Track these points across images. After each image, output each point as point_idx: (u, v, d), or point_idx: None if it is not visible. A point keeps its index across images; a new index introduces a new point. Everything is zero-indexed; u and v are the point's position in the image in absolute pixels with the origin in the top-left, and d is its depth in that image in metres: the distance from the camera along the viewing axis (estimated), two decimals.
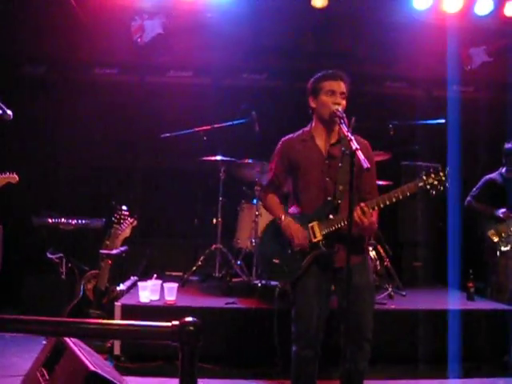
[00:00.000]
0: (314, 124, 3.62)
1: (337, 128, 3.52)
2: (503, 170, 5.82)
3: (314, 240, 3.46)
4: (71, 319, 2.03)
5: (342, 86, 3.50)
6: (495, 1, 6.75)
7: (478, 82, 7.44)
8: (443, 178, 3.30)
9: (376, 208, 3.36)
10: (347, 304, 3.21)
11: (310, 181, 3.55)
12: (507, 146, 5.75)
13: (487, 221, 5.76)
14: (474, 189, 5.94)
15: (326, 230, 3.45)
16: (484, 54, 7.15)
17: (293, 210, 3.66)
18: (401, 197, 3.32)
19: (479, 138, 7.06)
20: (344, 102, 3.51)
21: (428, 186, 3.30)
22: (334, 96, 3.47)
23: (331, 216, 3.44)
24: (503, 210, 5.66)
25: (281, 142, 3.72)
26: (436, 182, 3.30)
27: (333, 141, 3.57)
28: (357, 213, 3.27)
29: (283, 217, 3.56)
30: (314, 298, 3.50)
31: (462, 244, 6.36)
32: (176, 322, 1.82)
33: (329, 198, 3.48)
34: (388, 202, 3.35)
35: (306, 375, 3.56)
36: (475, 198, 5.89)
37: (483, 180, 5.93)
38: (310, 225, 3.47)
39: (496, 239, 5.60)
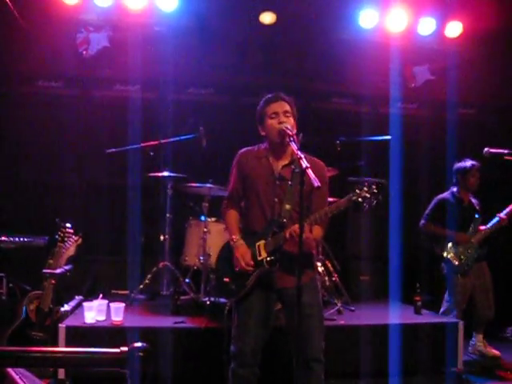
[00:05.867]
0: (268, 147, 3.63)
1: (289, 150, 3.52)
2: (454, 189, 5.75)
3: (259, 258, 3.49)
4: (10, 348, 1.92)
5: (284, 106, 3.53)
6: (437, 22, 6.98)
7: (421, 99, 7.62)
8: (375, 191, 3.31)
9: (314, 223, 3.39)
10: (295, 325, 3.23)
11: (258, 199, 3.56)
12: (459, 165, 5.70)
13: (444, 241, 5.67)
14: (427, 210, 5.80)
15: (270, 248, 3.48)
16: (427, 72, 7.34)
17: (243, 225, 3.70)
18: (335, 211, 3.37)
19: (421, 154, 7.21)
20: (291, 120, 3.53)
21: (360, 199, 3.31)
22: (278, 117, 3.50)
23: (276, 234, 3.47)
24: (460, 233, 5.63)
25: (238, 154, 3.71)
26: (368, 195, 3.30)
27: (286, 162, 3.57)
28: (292, 229, 3.31)
29: (235, 238, 3.58)
30: (252, 318, 3.52)
31: (407, 258, 6.46)
32: (124, 348, 1.75)
33: (275, 218, 3.50)
34: (324, 218, 3.39)
35: None
36: (429, 219, 5.75)
37: (435, 200, 5.80)
38: (258, 244, 3.51)
39: (456, 262, 5.57)
